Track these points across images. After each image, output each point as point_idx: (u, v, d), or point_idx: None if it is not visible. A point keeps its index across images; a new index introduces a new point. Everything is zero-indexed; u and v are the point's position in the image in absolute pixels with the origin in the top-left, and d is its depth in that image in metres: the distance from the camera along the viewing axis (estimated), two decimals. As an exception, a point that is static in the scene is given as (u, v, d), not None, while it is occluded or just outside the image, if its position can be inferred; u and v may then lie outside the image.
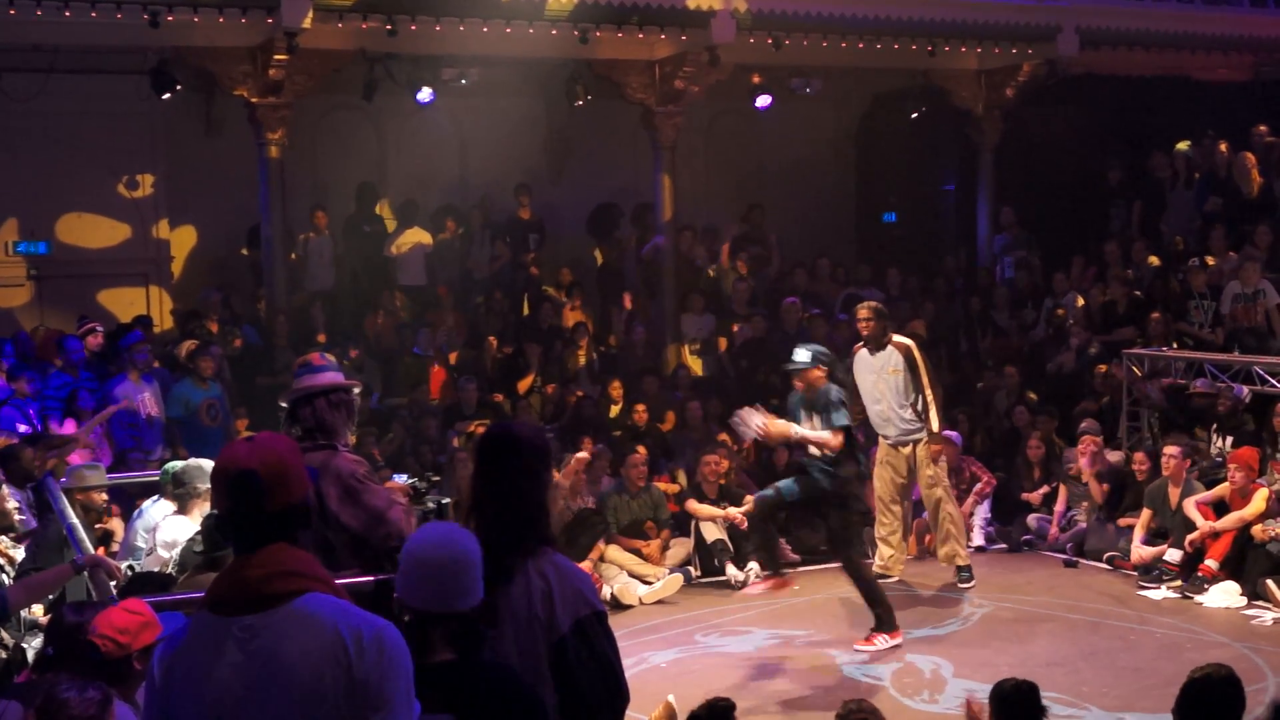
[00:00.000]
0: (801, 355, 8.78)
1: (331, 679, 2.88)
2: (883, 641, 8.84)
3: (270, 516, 3.01)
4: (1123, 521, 11.18)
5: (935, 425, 10.13)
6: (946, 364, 14.59)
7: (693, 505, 11.20)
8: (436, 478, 5.75)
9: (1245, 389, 11.47)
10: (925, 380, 10.02)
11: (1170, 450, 10.69)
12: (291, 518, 3.05)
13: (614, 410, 13.23)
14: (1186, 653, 8.57)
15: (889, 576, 10.39)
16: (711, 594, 10.63)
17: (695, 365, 14.52)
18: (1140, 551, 10.57)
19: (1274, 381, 11.25)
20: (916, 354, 10.05)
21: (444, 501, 5.57)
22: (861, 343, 10.26)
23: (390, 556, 5.27)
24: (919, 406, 10.09)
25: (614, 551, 10.76)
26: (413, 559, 3.36)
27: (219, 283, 14.34)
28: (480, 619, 3.35)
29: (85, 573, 5.73)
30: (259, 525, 3.01)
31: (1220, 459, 10.99)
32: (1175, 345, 12.77)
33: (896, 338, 10.19)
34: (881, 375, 10.12)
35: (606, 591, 10.21)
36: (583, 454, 10.78)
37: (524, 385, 13.45)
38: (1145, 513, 10.71)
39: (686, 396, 13.25)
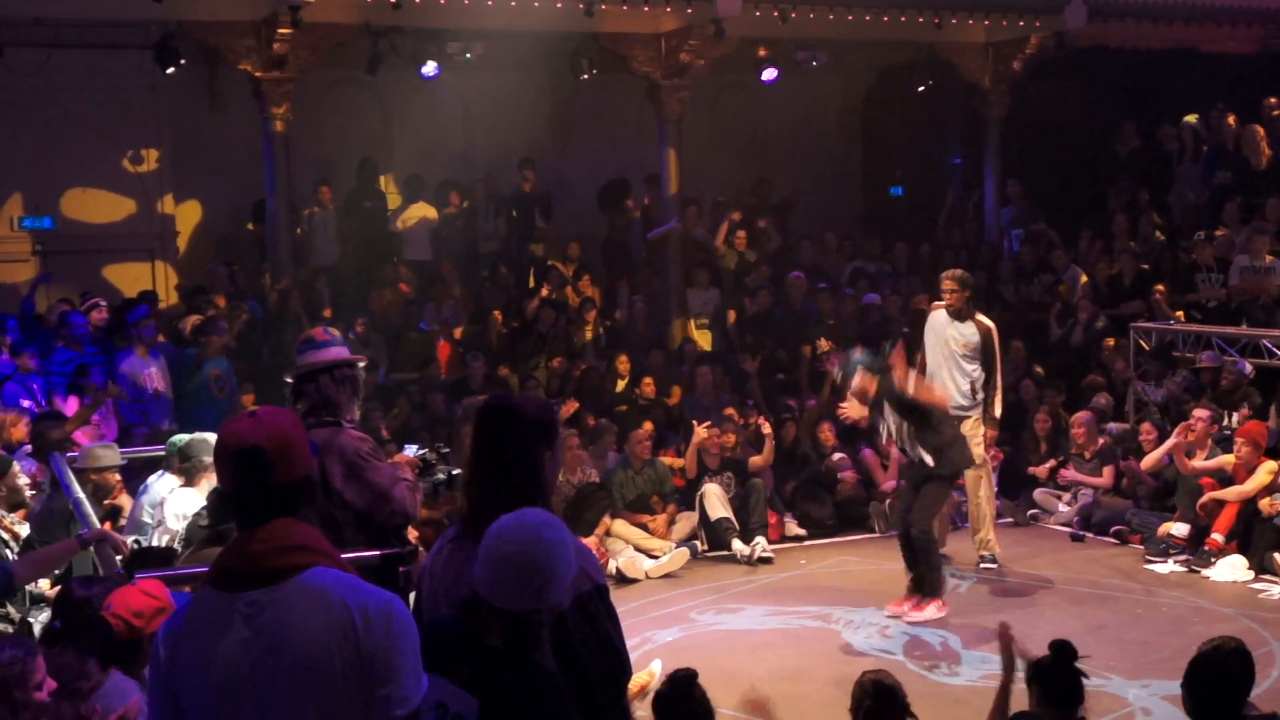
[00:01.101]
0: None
1: (340, 653, 2.87)
2: (934, 610, 8.93)
3: (276, 491, 2.99)
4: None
5: (998, 411, 10.06)
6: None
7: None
8: (446, 449, 5.73)
9: (1249, 364, 11.44)
10: (998, 364, 9.95)
11: (1199, 414, 10.63)
12: (297, 493, 3.03)
13: (620, 385, 13.21)
14: (1193, 626, 8.57)
15: None
16: (719, 567, 10.62)
17: (702, 339, 14.49)
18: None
19: (1281, 355, 11.23)
20: (995, 338, 9.95)
21: (455, 472, 5.56)
22: (944, 305, 10.05)
23: (396, 533, 5.28)
24: (980, 388, 9.94)
25: (620, 526, 10.76)
26: (490, 552, 3.24)
27: (225, 258, 14.32)
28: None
29: (91, 547, 5.72)
30: (265, 501, 2.98)
31: (1229, 432, 10.96)
32: (1182, 317, 12.73)
33: (981, 316, 10.04)
34: (951, 346, 9.94)
35: (612, 566, 10.21)
36: (572, 434, 10.84)
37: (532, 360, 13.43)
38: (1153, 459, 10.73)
39: (694, 366, 13.21)
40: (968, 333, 9.89)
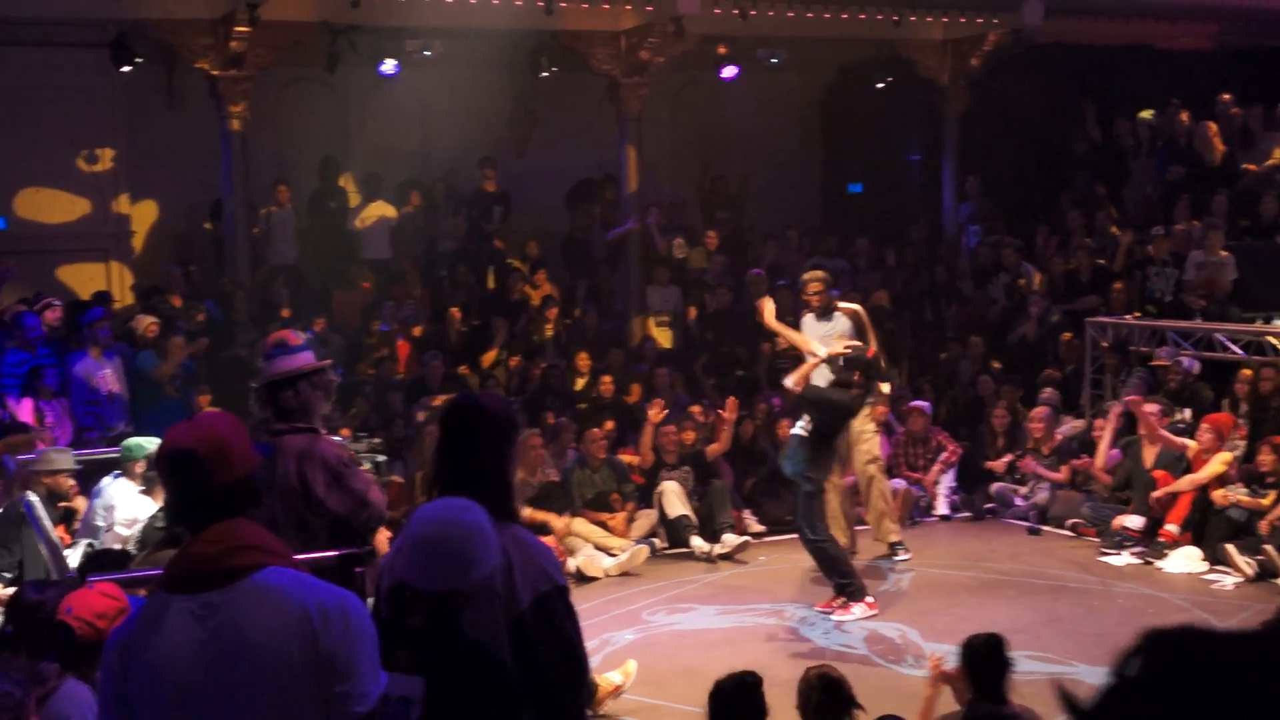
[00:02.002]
0: None
1: (298, 653, 2.87)
2: (861, 610, 8.94)
3: (215, 492, 2.99)
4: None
5: (885, 387, 10.23)
6: (911, 333, 14.66)
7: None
8: (375, 439, 5.75)
9: (1194, 363, 11.56)
10: (872, 340, 9.89)
11: (1149, 408, 10.75)
12: (239, 494, 3.03)
13: (580, 383, 13.21)
14: (1148, 617, 8.66)
15: None
16: (678, 565, 10.64)
17: (662, 337, 14.51)
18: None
19: (1235, 348, 11.35)
20: (864, 317, 10.01)
21: (379, 459, 5.59)
22: (808, 309, 10.10)
23: (366, 537, 5.30)
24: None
25: (579, 524, 10.76)
26: (412, 537, 3.30)
27: (181, 258, 14.22)
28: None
29: (44, 551, 5.69)
30: (206, 503, 2.99)
31: (1183, 426, 11.07)
32: (1138, 314, 12.84)
33: (842, 304, 10.12)
34: (826, 343, 9.98)
35: (571, 564, 10.21)
36: (535, 434, 10.88)
37: (489, 359, 13.42)
38: (1105, 477, 10.83)
39: (653, 365, 13.24)
40: (840, 326, 9.90)
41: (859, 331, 9.93)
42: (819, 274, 10.26)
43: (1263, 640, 1.38)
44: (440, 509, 3.40)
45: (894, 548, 10.42)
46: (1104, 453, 10.91)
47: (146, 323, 12.02)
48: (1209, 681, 1.32)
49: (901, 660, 8.17)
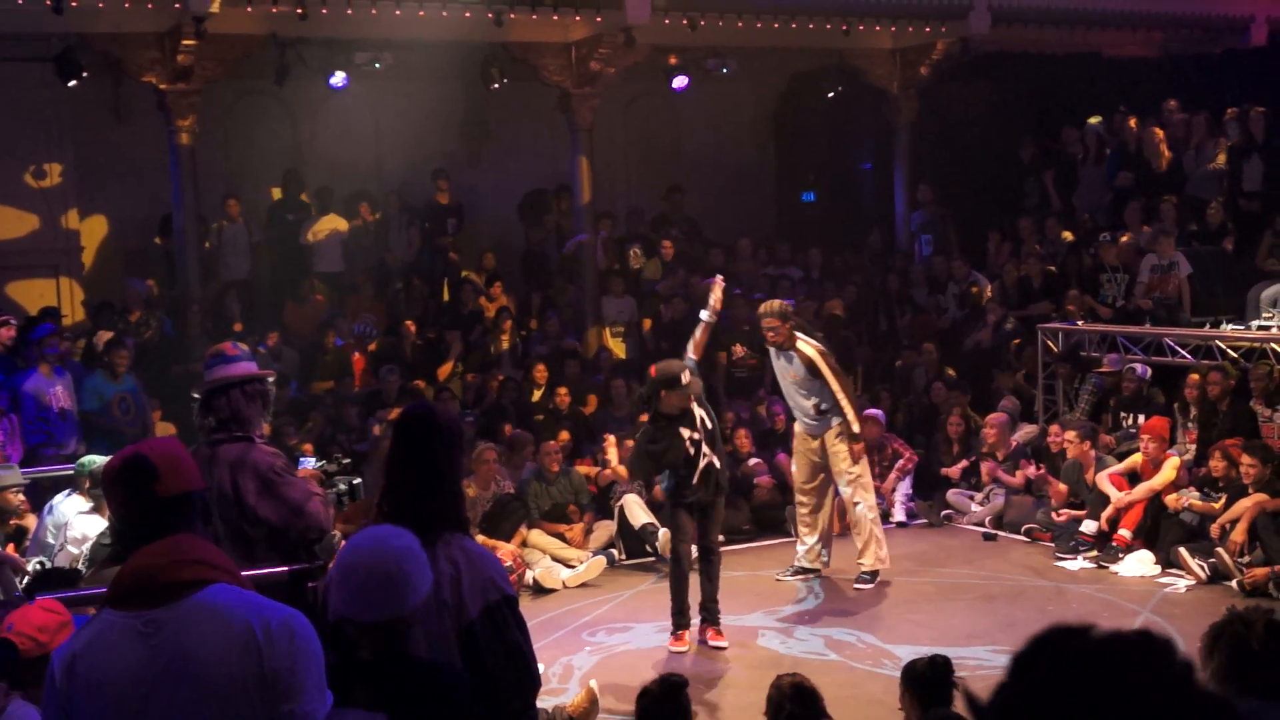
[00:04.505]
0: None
1: (242, 671, 2.84)
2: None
3: (165, 503, 2.97)
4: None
5: (855, 428, 9.84)
6: (867, 342, 14.73)
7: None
8: (347, 459, 5.70)
9: (1147, 369, 11.68)
10: (835, 386, 9.68)
11: (1069, 435, 10.89)
12: (187, 506, 3.02)
13: (536, 394, 13.19)
14: (1102, 620, 8.68)
15: (814, 570, 10.24)
16: (636, 575, 10.62)
17: (617, 348, 14.50)
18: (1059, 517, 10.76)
19: (1184, 353, 11.45)
20: (820, 363, 9.66)
21: (355, 482, 5.53)
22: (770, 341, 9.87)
23: (309, 549, 5.23)
24: (824, 408, 9.83)
25: (536, 536, 10.72)
26: (345, 569, 3.27)
27: (134, 273, 14.10)
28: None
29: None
30: (155, 513, 2.97)
31: (1134, 431, 11.17)
32: (1087, 319, 12.95)
33: (801, 344, 9.71)
34: (784, 377, 9.96)
35: (529, 576, 10.17)
36: (490, 447, 10.82)
37: (444, 371, 13.38)
38: (1062, 487, 10.88)
39: (609, 376, 13.22)
40: (794, 365, 9.77)
41: (814, 375, 9.72)
42: (774, 307, 9.84)
43: (1129, 643, 1.45)
44: (369, 538, 3.34)
45: (864, 575, 9.99)
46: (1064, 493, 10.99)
47: (104, 338, 11.90)
48: (1072, 682, 1.42)
49: (880, 663, 8.12)
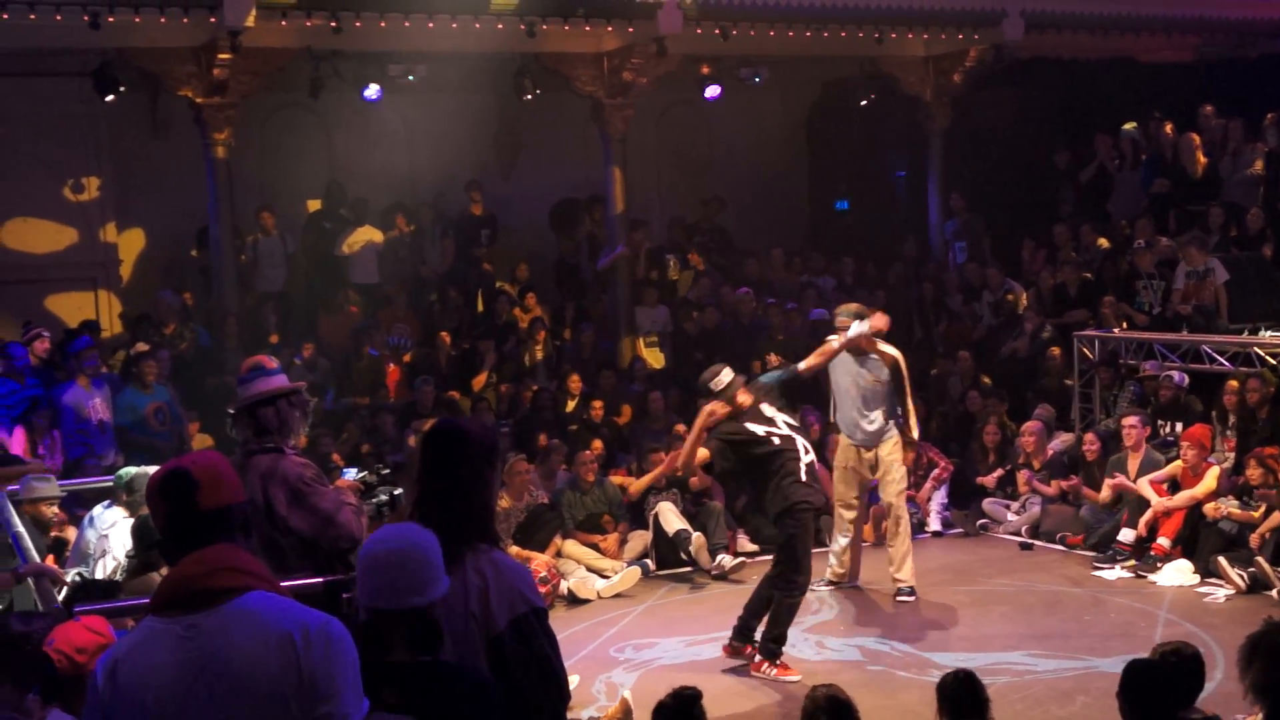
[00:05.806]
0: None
1: (280, 673, 2.89)
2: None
3: (206, 516, 3.02)
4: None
5: (915, 434, 9.93)
6: (901, 350, 14.63)
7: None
8: (387, 470, 5.73)
9: (1184, 376, 11.59)
10: (908, 390, 9.75)
11: (1129, 421, 10.78)
12: (229, 518, 3.07)
13: (570, 404, 13.20)
14: (1140, 632, 8.65)
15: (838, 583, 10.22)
16: (671, 586, 10.60)
17: (651, 358, 14.50)
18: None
19: (1222, 360, 11.36)
20: (903, 366, 9.71)
21: (396, 493, 5.56)
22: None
23: (341, 558, 5.26)
24: (896, 417, 9.78)
25: (571, 546, 10.74)
26: (367, 559, 3.36)
27: (171, 285, 14.22)
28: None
29: (31, 581, 5.67)
30: (196, 526, 3.02)
31: (1172, 439, 11.09)
32: (1125, 326, 12.87)
33: (883, 346, 9.70)
34: (857, 381, 9.74)
35: (564, 586, 10.18)
36: (521, 459, 10.83)
37: (479, 382, 13.41)
38: (1107, 484, 10.82)
39: (645, 388, 13.22)
40: (874, 367, 9.65)
41: (895, 378, 9.65)
42: (852, 307, 9.71)
43: None
44: (388, 531, 3.46)
45: (905, 589, 9.85)
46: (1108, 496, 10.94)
47: (139, 350, 12.00)
48: None
49: (925, 671, 8.02)
